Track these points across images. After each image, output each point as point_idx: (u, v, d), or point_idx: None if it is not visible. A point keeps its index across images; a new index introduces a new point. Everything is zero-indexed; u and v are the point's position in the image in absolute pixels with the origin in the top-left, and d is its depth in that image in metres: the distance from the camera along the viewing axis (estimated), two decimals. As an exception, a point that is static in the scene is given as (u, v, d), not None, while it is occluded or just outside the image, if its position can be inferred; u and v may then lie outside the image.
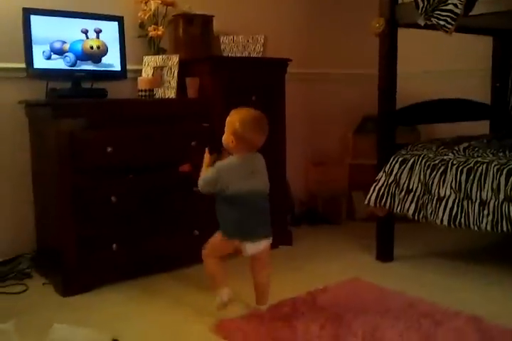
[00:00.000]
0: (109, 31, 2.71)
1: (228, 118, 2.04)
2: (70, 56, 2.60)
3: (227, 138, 2.03)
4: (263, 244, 2.07)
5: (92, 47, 2.65)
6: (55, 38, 2.55)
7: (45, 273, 2.56)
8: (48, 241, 2.62)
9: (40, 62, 2.52)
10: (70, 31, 2.59)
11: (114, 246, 2.43)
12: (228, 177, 2.00)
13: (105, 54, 2.70)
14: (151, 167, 2.54)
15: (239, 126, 1.99)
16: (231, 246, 2.06)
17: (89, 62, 2.66)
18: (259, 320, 2.04)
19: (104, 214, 2.42)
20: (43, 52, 2.52)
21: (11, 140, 2.67)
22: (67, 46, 2.59)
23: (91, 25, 2.64)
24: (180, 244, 2.64)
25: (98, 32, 2.67)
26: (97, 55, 2.67)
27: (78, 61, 2.63)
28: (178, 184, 2.57)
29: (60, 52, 2.58)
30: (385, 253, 2.80)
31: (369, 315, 2.08)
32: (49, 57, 2.54)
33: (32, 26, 2.48)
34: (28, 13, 2.48)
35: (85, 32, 2.63)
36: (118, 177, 2.46)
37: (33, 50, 2.50)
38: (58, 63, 2.57)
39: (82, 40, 2.63)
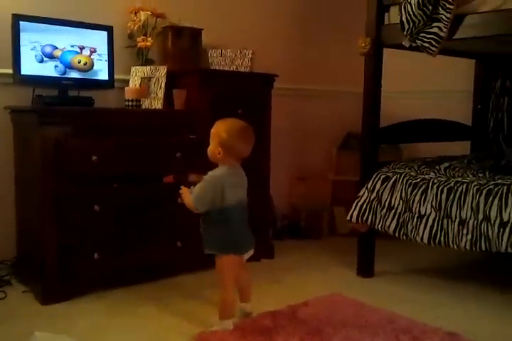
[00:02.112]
0: (99, 41, 2.73)
1: (213, 130, 2.03)
2: (60, 66, 2.61)
3: (213, 150, 2.02)
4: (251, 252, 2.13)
5: (79, 62, 2.67)
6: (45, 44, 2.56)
7: (25, 281, 2.53)
8: (28, 248, 2.59)
9: (27, 69, 2.52)
10: (60, 39, 2.60)
11: (96, 255, 2.41)
12: (223, 187, 1.98)
13: (90, 70, 2.72)
14: (136, 177, 2.54)
15: (226, 136, 1.99)
16: (236, 258, 2.05)
17: (77, 70, 2.68)
18: (239, 333, 2.03)
19: (86, 222, 2.40)
20: (35, 56, 2.53)
21: (-6, 145, 2.65)
22: (58, 52, 2.60)
23: (81, 34, 2.67)
24: (162, 254, 2.63)
25: (92, 51, 2.71)
26: (82, 69, 2.69)
27: (67, 69, 2.64)
28: (162, 195, 2.56)
29: (51, 56, 2.59)
30: (365, 269, 2.82)
31: (349, 330, 2.09)
32: (41, 61, 2.55)
33: (21, 32, 2.48)
34: (17, 19, 2.48)
35: (81, 48, 2.68)
36: (102, 186, 2.45)
37: (21, 56, 2.50)
38: (46, 69, 2.57)
39: (76, 53, 2.66)
